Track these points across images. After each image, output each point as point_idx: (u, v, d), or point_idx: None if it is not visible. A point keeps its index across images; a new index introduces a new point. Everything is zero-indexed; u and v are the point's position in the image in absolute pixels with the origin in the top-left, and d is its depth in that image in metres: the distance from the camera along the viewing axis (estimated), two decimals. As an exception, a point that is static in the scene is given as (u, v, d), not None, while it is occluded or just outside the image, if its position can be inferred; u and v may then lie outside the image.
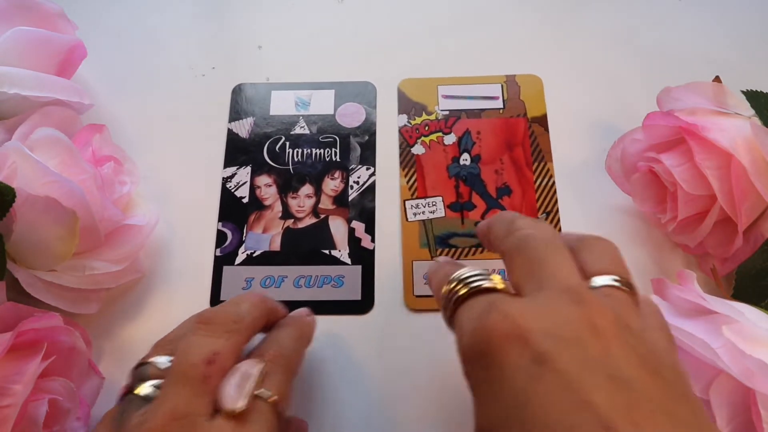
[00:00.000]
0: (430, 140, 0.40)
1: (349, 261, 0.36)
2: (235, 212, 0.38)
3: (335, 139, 0.40)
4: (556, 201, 0.37)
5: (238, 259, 0.36)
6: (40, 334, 0.29)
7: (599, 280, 0.24)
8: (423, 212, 0.37)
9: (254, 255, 0.36)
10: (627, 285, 0.24)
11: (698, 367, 0.26)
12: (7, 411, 0.26)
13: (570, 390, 0.20)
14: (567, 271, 0.24)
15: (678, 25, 0.43)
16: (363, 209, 0.38)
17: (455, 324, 0.25)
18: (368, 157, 0.39)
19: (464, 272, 0.25)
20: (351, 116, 0.41)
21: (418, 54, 0.43)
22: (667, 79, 0.35)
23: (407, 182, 0.38)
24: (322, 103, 0.41)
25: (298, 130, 0.40)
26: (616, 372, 0.20)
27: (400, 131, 0.40)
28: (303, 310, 0.32)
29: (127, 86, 0.42)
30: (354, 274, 0.36)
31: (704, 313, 0.28)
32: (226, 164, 0.39)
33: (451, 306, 0.25)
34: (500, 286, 0.24)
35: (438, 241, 0.37)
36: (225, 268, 0.36)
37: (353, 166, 0.39)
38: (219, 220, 0.37)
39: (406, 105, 0.41)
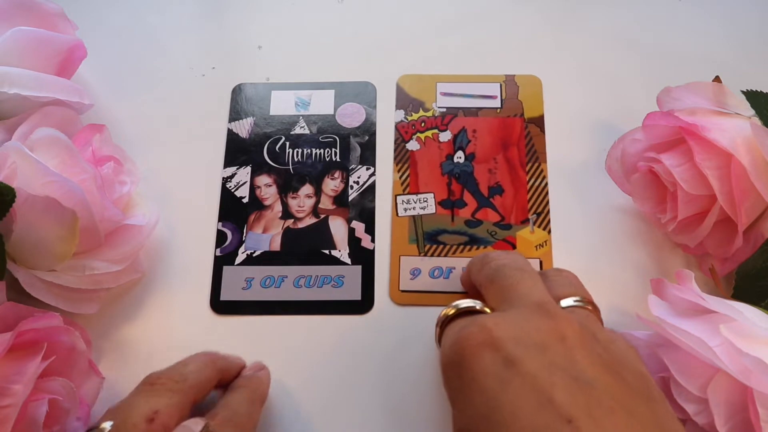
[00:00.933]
0: (426, 137, 0.40)
1: (349, 261, 0.36)
2: (235, 212, 0.38)
3: (335, 139, 0.40)
4: (548, 202, 0.37)
5: (238, 259, 0.36)
6: (40, 334, 0.29)
7: (565, 302, 0.27)
8: (414, 208, 0.37)
9: (254, 255, 0.36)
10: (590, 304, 0.27)
11: (696, 365, 0.26)
12: (7, 411, 0.26)
13: (535, 391, 0.22)
14: (537, 291, 0.26)
15: (678, 25, 0.43)
16: (363, 209, 0.38)
17: (441, 341, 0.27)
18: (368, 157, 0.39)
19: (460, 301, 0.27)
20: (351, 116, 0.41)
21: (418, 54, 0.43)
22: (667, 79, 0.35)
23: (400, 177, 0.38)
24: (322, 103, 0.41)
25: (298, 130, 0.40)
26: (580, 374, 0.22)
27: (396, 126, 0.40)
28: (256, 365, 0.31)
29: (127, 86, 0.42)
30: (354, 274, 0.36)
31: (702, 313, 0.28)
32: (226, 164, 0.39)
33: (441, 325, 0.27)
34: (487, 310, 0.27)
35: (427, 237, 0.37)
36: (225, 268, 0.36)
37: (353, 166, 0.39)
38: (219, 220, 0.38)
39: (404, 100, 0.41)
